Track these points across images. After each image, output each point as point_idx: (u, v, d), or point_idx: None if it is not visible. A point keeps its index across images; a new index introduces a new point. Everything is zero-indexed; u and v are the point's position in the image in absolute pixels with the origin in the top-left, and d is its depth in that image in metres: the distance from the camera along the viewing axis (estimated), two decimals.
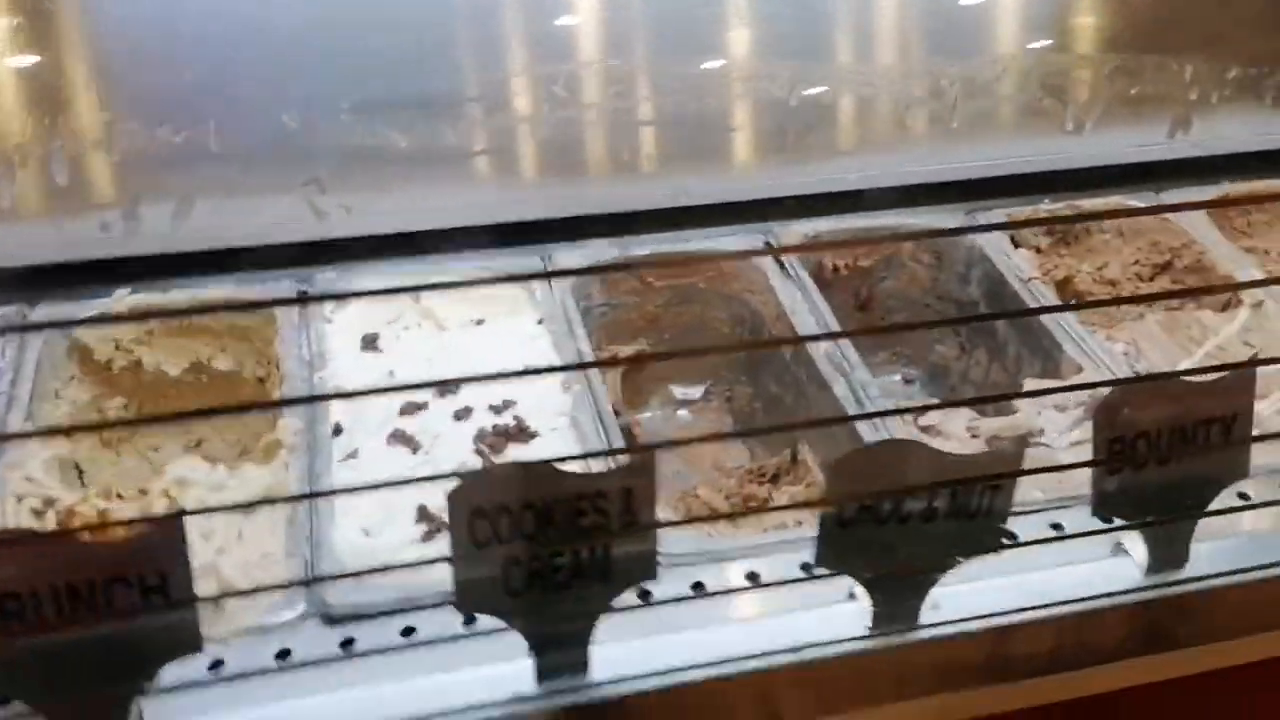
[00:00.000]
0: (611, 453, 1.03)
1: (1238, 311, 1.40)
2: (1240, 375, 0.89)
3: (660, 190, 1.50)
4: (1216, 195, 1.63)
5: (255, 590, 0.85)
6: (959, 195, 1.59)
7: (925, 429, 1.21)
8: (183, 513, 0.71)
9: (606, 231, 1.48)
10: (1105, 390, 0.88)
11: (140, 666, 0.77)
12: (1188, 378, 0.89)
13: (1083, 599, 0.88)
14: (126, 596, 0.72)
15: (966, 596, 0.89)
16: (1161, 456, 0.88)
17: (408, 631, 0.97)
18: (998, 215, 1.57)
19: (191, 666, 0.91)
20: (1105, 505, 0.90)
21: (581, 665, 0.84)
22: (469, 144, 1.43)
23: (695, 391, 1.59)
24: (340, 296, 1.35)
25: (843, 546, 0.83)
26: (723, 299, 1.55)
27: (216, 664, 0.94)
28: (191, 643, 0.76)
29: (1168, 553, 0.93)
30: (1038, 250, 1.57)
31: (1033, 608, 0.87)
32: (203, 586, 0.96)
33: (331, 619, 0.99)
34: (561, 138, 1.46)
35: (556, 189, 1.48)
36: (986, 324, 1.52)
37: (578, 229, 1.48)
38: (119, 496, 1.08)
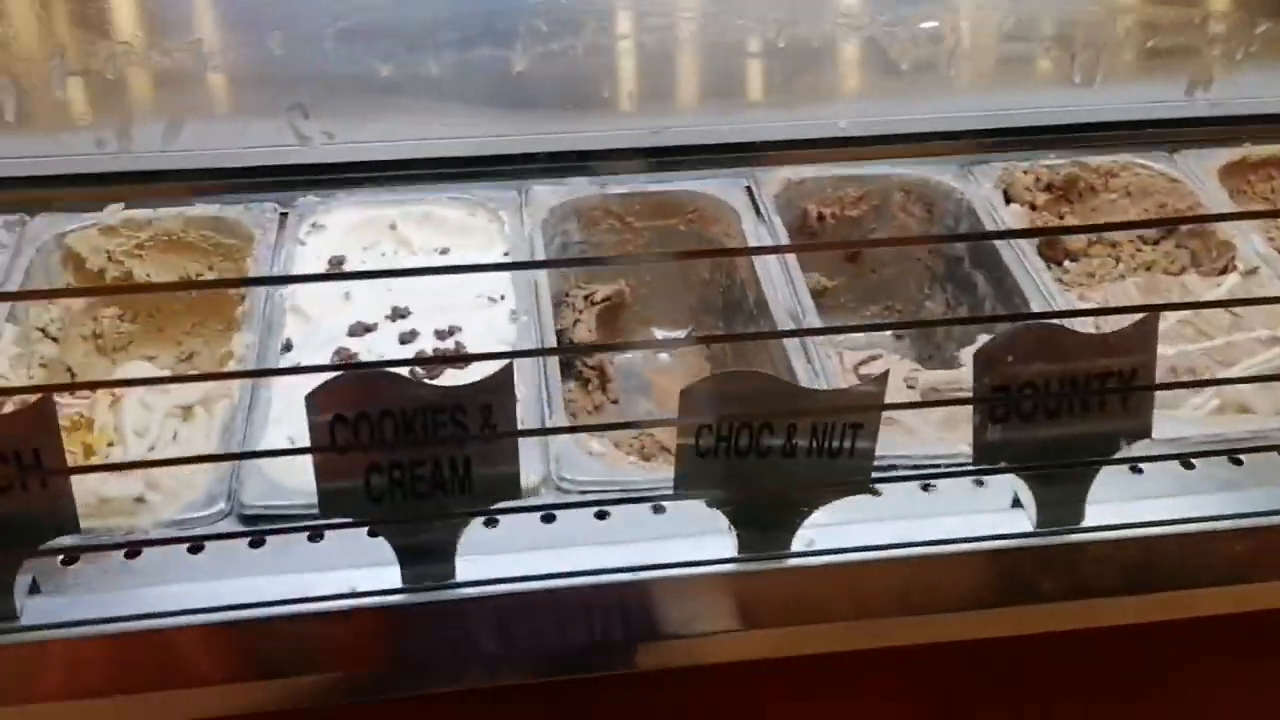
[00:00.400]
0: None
1: (1226, 277, 1.34)
2: (1141, 328, 0.85)
3: (641, 129, 1.50)
4: (1237, 158, 1.55)
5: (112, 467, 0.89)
6: (960, 146, 1.55)
7: (863, 378, 1.19)
8: (50, 388, 0.75)
9: (586, 168, 1.50)
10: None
11: (18, 542, 0.82)
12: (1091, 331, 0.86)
13: (929, 542, 0.87)
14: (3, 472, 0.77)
15: (841, 536, 0.89)
16: (1049, 408, 0.86)
17: (316, 535, 1.01)
18: (994, 169, 1.53)
19: (112, 554, 0.97)
20: (986, 456, 0.88)
21: (447, 574, 0.87)
22: (450, 75, 1.45)
23: (677, 334, 1.59)
24: None
25: (700, 475, 0.83)
26: (703, 242, 1.54)
27: (134, 552, 0.99)
28: (67, 521, 0.81)
29: (1059, 508, 0.91)
30: (1032, 207, 1.51)
31: (882, 546, 0.86)
32: (130, 482, 1.03)
33: (246, 518, 1.03)
34: (543, 72, 1.46)
35: (536, 123, 1.49)
36: (969, 280, 1.48)
37: (556, 164, 1.50)
38: (72, 393, 1.15)
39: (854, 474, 0.84)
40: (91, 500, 1.02)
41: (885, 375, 0.80)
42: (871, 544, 0.86)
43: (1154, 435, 1.09)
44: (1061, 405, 0.86)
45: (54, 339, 1.35)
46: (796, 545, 0.88)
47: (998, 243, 1.42)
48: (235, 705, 0.86)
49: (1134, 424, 0.88)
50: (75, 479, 1.02)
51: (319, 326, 1.26)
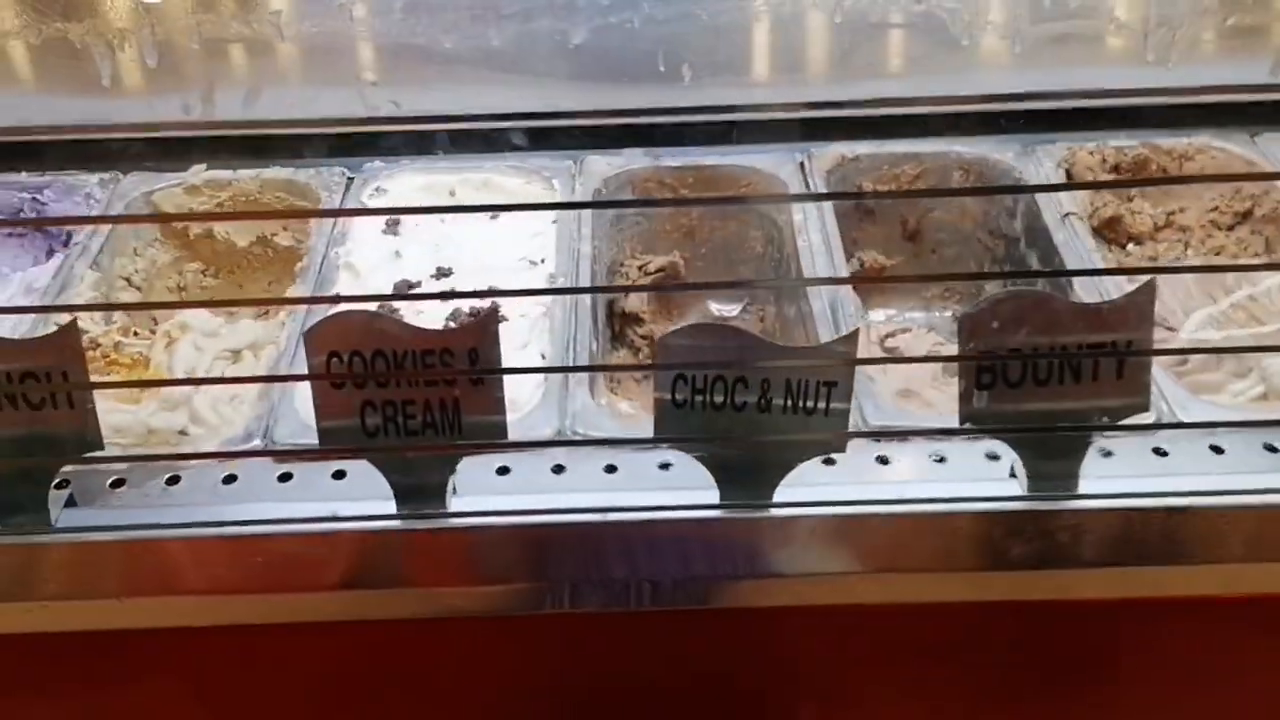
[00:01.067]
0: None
1: None
2: (1136, 299, 0.83)
3: (697, 102, 1.52)
4: None
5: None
6: (1021, 125, 1.52)
7: (890, 350, 1.19)
8: (72, 308, 0.82)
9: (641, 140, 1.53)
10: None
11: (49, 458, 0.90)
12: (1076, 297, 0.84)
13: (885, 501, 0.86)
14: (35, 389, 0.85)
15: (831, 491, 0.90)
16: (1038, 376, 0.85)
17: (339, 474, 1.07)
18: (1059, 149, 1.49)
19: (152, 484, 1.05)
20: (972, 423, 0.87)
21: (440, 509, 0.91)
22: (511, 47, 1.49)
23: (732, 309, 1.60)
24: None
25: (677, 427, 0.85)
26: (757, 215, 1.55)
27: (174, 479, 1.07)
28: (92, 439, 0.88)
29: (1050, 479, 0.89)
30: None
31: (846, 502, 0.86)
32: (175, 416, 1.11)
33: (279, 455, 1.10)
34: (601, 45, 1.49)
35: (594, 95, 1.52)
36: (1025, 261, 1.45)
37: (612, 136, 1.53)
38: (135, 333, 1.24)
39: (829, 432, 0.85)
40: (141, 431, 1.11)
41: (855, 334, 0.81)
42: (839, 499, 0.87)
43: (1187, 419, 1.06)
44: (1050, 374, 0.84)
45: (138, 288, 1.46)
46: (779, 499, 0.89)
47: (1051, 224, 1.38)
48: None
49: (1129, 398, 0.86)
50: (126, 412, 1.12)
51: (367, 283, 1.32)
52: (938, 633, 0.95)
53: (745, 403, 0.84)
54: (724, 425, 0.85)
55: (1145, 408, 0.87)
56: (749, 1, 1.49)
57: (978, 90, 1.50)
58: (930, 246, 1.58)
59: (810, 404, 0.84)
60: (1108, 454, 1.02)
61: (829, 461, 1.02)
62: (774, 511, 0.87)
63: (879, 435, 0.92)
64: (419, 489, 0.91)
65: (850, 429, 1.05)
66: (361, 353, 0.85)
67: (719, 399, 0.84)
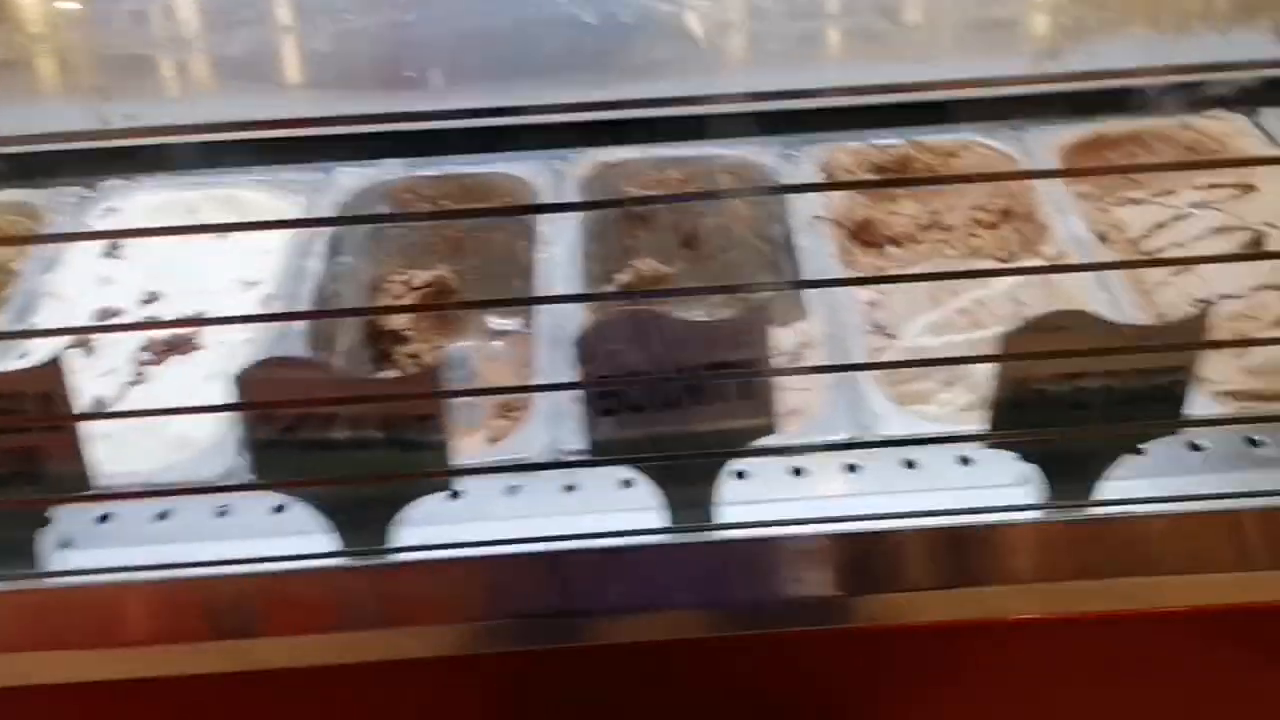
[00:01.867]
0: None
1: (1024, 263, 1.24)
2: (749, 316, 0.78)
3: (451, 107, 1.45)
4: (1090, 135, 1.44)
5: None
6: (782, 126, 1.47)
7: None
8: None
9: (390, 151, 1.46)
10: None
11: None
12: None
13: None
14: None
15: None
16: (663, 399, 0.79)
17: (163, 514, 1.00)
18: (819, 150, 1.45)
19: None
20: (597, 450, 0.82)
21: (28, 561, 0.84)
22: (250, 54, 1.43)
23: (511, 323, 1.54)
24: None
25: (273, 468, 0.79)
26: (521, 226, 1.49)
27: None
28: None
29: (691, 506, 0.84)
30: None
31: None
32: None
33: None
34: (345, 50, 1.43)
35: (340, 104, 1.45)
36: (781, 267, 1.41)
37: (364, 147, 1.46)
38: None
39: (432, 468, 0.79)
40: None
41: (435, 369, 0.75)
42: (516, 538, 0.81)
43: (888, 432, 1.02)
44: (672, 396, 0.79)
45: None
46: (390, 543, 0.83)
47: (796, 229, 1.34)
48: None
49: (757, 419, 0.81)
50: None
51: (71, 311, 1.25)
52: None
53: (340, 439, 0.78)
54: (325, 465, 0.79)
55: (772, 429, 0.82)
56: (497, 6, 1.43)
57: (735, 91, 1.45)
58: (709, 252, 1.53)
59: (411, 437, 0.78)
60: (798, 472, 0.98)
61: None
62: (389, 558, 0.82)
63: (462, 472, 0.85)
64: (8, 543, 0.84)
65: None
66: None
67: (308, 435, 0.77)
